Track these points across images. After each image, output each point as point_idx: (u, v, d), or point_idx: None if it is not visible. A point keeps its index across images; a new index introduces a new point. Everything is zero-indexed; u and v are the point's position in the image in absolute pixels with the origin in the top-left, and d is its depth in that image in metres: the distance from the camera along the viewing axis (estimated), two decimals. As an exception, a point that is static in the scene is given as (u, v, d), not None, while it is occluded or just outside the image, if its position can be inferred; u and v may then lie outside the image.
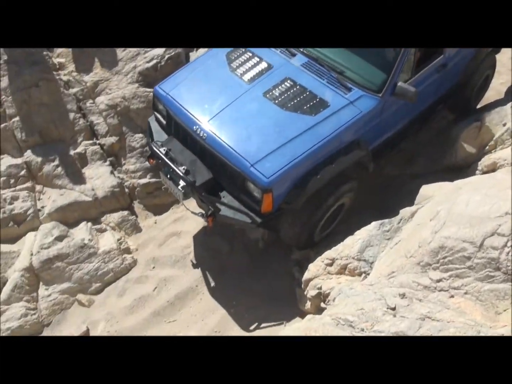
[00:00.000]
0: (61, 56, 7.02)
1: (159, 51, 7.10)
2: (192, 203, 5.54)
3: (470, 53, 6.19)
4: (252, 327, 5.11)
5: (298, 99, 5.07)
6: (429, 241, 3.55)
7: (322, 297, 4.24)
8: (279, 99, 5.08)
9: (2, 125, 6.36)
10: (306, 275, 4.47)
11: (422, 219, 4.05)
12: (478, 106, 7.06)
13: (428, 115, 6.32)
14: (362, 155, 5.19)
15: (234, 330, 5.15)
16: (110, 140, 6.67)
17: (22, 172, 6.23)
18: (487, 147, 5.85)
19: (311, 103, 5.03)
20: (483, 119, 5.98)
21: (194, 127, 5.00)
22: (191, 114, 5.09)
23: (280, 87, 5.17)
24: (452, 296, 3.34)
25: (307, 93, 5.12)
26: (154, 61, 7.05)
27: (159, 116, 5.57)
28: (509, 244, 3.24)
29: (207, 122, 4.99)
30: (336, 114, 4.98)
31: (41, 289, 5.67)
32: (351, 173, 5.32)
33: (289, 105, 5.03)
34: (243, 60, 5.48)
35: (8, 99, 6.46)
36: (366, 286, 3.72)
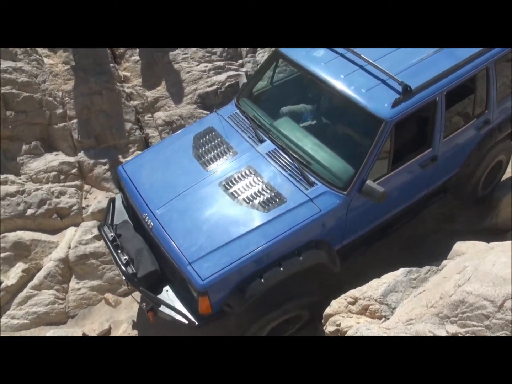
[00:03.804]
0: (127, 70, 7.31)
1: (221, 77, 7.36)
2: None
3: (472, 143, 5.66)
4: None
5: (254, 192, 4.70)
6: (451, 293, 3.53)
7: (339, 334, 4.25)
8: (234, 191, 4.73)
9: (61, 124, 6.61)
10: (327, 310, 4.43)
11: (449, 272, 4.04)
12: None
13: (417, 210, 5.72)
14: (320, 258, 4.68)
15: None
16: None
17: (73, 170, 6.43)
18: (529, 215, 5.82)
19: (267, 198, 4.64)
20: (528, 185, 5.97)
21: (144, 214, 4.73)
22: (143, 199, 4.83)
23: (238, 177, 4.83)
24: (465, 352, 3.32)
25: (265, 186, 4.73)
26: (215, 87, 7.28)
27: (122, 196, 5.35)
28: (529, 309, 3.21)
29: (156, 210, 4.70)
30: (291, 212, 4.56)
31: (72, 282, 5.83)
32: (309, 281, 4.83)
33: (243, 197, 4.67)
34: (208, 145, 5.19)
35: (71, 102, 6.73)
36: (383, 329, 3.72)
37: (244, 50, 7.74)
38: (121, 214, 5.22)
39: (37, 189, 6.19)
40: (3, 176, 6.13)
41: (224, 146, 5.13)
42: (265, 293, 4.44)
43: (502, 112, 5.82)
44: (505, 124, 5.90)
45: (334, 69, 5.04)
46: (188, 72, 7.37)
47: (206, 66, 7.46)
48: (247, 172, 4.86)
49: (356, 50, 4.99)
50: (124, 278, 4.74)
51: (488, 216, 6.11)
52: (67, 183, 6.39)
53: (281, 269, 4.41)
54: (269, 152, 5.02)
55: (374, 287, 4.34)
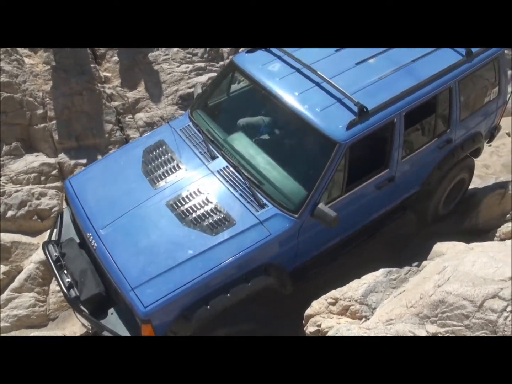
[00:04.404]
0: (108, 70, 7.30)
1: (202, 78, 7.38)
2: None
3: (433, 162, 5.55)
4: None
5: (203, 213, 4.49)
6: (430, 293, 3.56)
7: (320, 334, 4.26)
8: (182, 211, 4.51)
9: (42, 125, 6.59)
10: (308, 311, 4.42)
11: (429, 273, 4.07)
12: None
13: (375, 229, 5.57)
14: (269, 283, 4.50)
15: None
16: (142, 155, 6.84)
17: (54, 172, 6.41)
18: (508, 215, 5.87)
19: (215, 220, 4.44)
20: (508, 187, 6.01)
21: (88, 233, 4.49)
22: (88, 218, 4.58)
23: (187, 196, 4.61)
24: (445, 352, 3.35)
25: (214, 206, 4.53)
26: (196, 87, 7.27)
27: (70, 211, 5.06)
28: (508, 309, 3.21)
29: (100, 230, 4.46)
30: (240, 235, 4.37)
31: (52, 284, 5.78)
32: (256, 306, 4.59)
33: (191, 219, 4.46)
34: (158, 160, 4.96)
35: (51, 102, 6.71)
36: (363, 330, 3.73)
37: (225, 52, 7.76)
38: (69, 230, 4.98)
39: (17, 191, 6.16)
40: (-18, 178, 6.09)
41: (174, 162, 4.91)
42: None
43: (465, 131, 5.69)
44: (468, 143, 5.76)
45: (289, 85, 4.85)
46: (169, 73, 7.38)
47: (187, 67, 7.47)
48: (196, 191, 4.65)
49: (314, 65, 4.85)
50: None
51: (468, 217, 6.15)
52: (48, 185, 6.36)
53: (228, 295, 4.23)
54: (220, 169, 4.80)
55: (355, 288, 4.35)
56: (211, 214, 4.49)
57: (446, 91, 5.15)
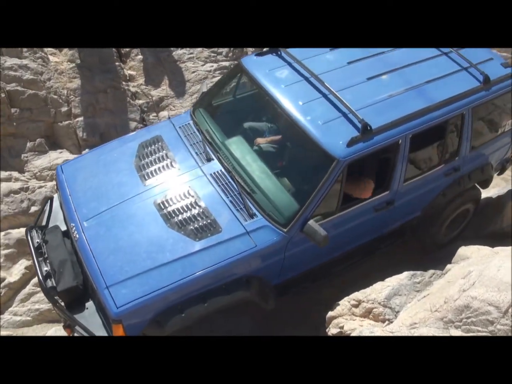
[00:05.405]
0: (132, 69, 7.32)
1: (226, 77, 7.36)
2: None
3: (437, 189, 5.28)
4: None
5: (189, 216, 4.34)
6: (455, 298, 3.53)
7: (342, 336, 4.26)
8: (169, 212, 4.37)
9: (66, 122, 6.62)
10: (331, 312, 4.41)
11: (453, 276, 4.04)
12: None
13: (368, 251, 5.32)
14: (249, 296, 4.32)
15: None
16: (165, 153, 6.86)
17: (77, 169, 6.44)
18: (534, 219, 5.80)
19: (201, 225, 4.28)
20: (534, 190, 5.94)
21: (72, 223, 4.39)
22: (74, 207, 4.47)
23: (175, 197, 4.47)
24: (470, 358, 3.31)
25: (202, 211, 4.37)
26: (220, 86, 7.28)
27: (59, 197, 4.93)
28: (533, 316, 3.21)
29: (84, 222, 4.35)
30: (224, 243, 4.21)
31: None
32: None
33: (176, 221, 4.31)
34: (152, 156, 4.83)
35: (76, 100, 6.74)
36: (387, 333, 3.73)
37: (250, 51, 7.75)
38: (57, 216, 4.86)
39: (41, 187, 6.21)
40: (7, 173, 6.13)
41: (168, 160, 4.78)
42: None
43: (475, 160, 5.43)
44: (476, 173, 5.49)
45: (293, 94, 4.67)
46: (193, 72, 7.39)
47: (212, 66, 7.47)
48: (186, 193, 4.50)
49: (323, 76, 4.67)
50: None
51: (492, 221, 6.07)
52: (71, 181, 6.39)
53: (205, 305, 4.09)
54: (214, 173, 4.65)
55: (378, 290, 4.32)
56: (198, 218, 4.33)
57: (458, 117, 4.93)
